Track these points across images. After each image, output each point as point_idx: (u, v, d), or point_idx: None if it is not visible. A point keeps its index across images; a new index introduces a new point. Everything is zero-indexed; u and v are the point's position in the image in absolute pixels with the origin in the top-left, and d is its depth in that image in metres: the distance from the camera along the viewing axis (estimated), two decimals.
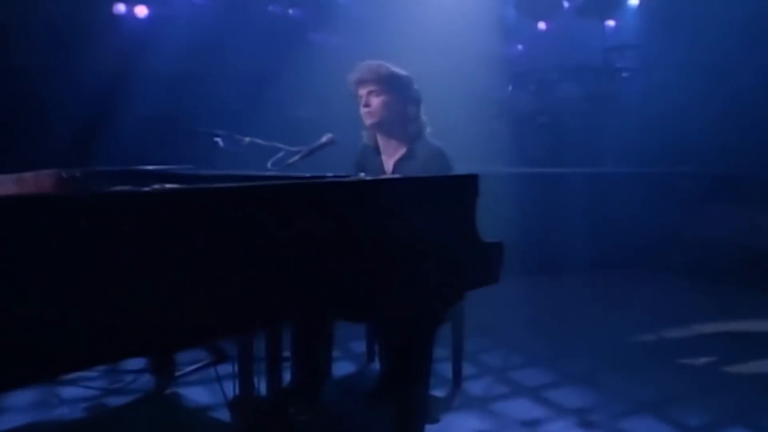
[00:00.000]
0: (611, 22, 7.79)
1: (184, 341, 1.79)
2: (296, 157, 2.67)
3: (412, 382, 2.18)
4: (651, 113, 6.16)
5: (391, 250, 1.95)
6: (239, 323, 1.76)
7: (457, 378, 3.17)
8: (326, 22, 6.52)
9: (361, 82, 2.82)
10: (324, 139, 2.72)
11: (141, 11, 6.13)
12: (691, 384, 3.27)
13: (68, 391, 3.01)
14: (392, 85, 2.80)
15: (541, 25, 8.56)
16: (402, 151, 2.90)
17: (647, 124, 6.12)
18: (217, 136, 3.01)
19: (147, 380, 3.07)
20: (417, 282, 2.04)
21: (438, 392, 3.07)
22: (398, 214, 1.99)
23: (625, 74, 7.03)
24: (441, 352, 3.12)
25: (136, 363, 3.09)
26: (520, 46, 8.73)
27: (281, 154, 2.70)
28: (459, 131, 5.44)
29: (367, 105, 2.82)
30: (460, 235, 2.19)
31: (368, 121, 2.85)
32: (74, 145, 4.93)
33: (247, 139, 2.95)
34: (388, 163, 2.95)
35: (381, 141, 2.96)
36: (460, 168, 2.74)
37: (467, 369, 3.27)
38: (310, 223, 1.77)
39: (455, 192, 2.20)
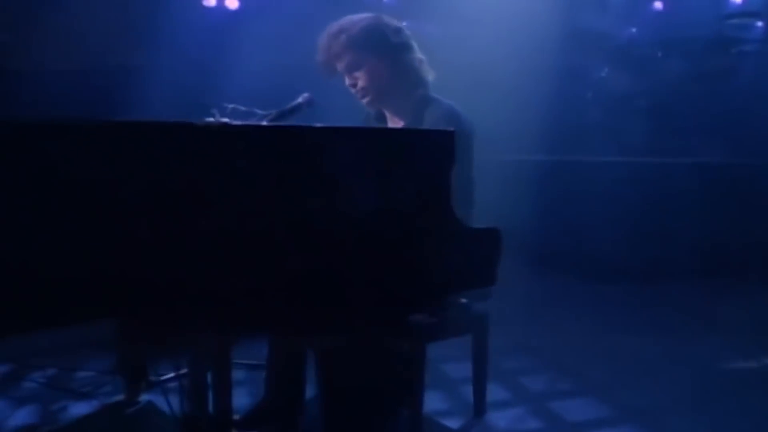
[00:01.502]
0: None
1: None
2: (264, 121, 2.30)
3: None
4: None
5: (312, 220, 1.56)
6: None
7: (479, 405, 2.56)
8: (420, 10, 6.20)
9: (333, 60, 2.34)
10: (300, 99, 2.29)
11: (232, 3, 5.96)
12: None
13: (27, 388, 2.78)
14: (366, 45, 2.30)
15: (657, 5, 7.78)
16: (408, 115, 2.38)
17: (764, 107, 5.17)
18: (212, 107, 2.88)
19: (118, 384, 2.73)
20: (351, 270, 1.51)
21: (451, 421, 2.52)
22: (327, 175, 1.58)
23: (747, 47, 5.97)
24: (464, 371, 2.56)
25: (106, 365, 2.82)
26: (633, 29, 8.01)
27: (255, 119, 2.35)
28: (546, 117, 4.90)
29: (353, 85, 2.35)
30: (427, 211, 1.62)
31: (365, 101, 2.40)
32: None
33: (231, 106, 2.74)
34: None
35: (386, 108, 2.49)
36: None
37: (499, 393, 2.71)
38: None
39: (421, 153, 1.62)
